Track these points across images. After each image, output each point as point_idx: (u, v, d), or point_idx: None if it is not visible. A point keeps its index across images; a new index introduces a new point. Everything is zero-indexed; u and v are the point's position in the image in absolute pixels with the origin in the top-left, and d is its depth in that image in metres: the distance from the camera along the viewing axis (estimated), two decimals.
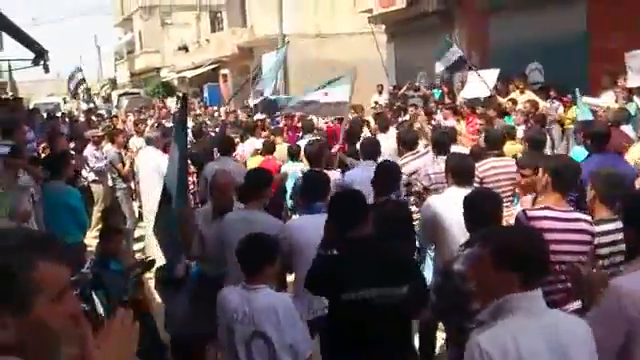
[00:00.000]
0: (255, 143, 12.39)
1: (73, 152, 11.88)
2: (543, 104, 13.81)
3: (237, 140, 12.98)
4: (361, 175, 7.37)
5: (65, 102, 41.08)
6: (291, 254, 5.47)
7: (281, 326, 4.21)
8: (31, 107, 24.47)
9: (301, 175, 8.54)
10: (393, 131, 11.28)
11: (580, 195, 5.49)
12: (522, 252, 2.94)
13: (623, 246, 4.40)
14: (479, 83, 14.99)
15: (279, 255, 4.57)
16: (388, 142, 9.74)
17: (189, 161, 9.05)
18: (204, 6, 45.57)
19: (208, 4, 45.15)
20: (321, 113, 12.16)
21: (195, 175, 10.55)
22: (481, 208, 4.60)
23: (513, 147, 9.06)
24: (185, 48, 44.67)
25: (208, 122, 19.40)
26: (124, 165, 12.42)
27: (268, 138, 12.31)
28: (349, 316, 4.18)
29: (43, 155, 11.50)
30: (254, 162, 10.76)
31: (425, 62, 21.91)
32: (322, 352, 4.66)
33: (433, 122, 13.80)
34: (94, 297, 4.87)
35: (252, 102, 20.18)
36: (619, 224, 4.56)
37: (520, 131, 10.62)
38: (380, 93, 22.22)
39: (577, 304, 4.16)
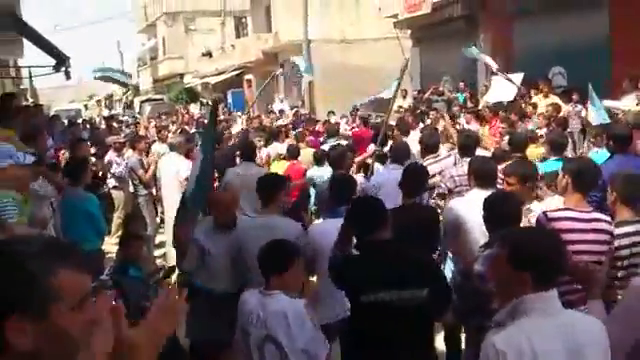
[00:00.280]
0: (278, 148, 12.46)
1: (94, 158, 11.96)
2: (566, 108, 13.78)
3: (262, 144, 13.08)
4: (388, 177, 7.43)
5: (87, 108, 41.07)
6: (314, 258, 5.49)
7: (291, 331, 4.19)
8: (52, 114, 24.61)
9: (324, 180, 8.57)
10: (415, 135, 11.34)
11: (603, 196, 5.49)
12: (537, 252, 2.97)
13: None
14: (503, 87, 14.98)
15: (299, 260, 4.53)
16: (410, 146, 9.78)
17: None
18: (228, 12, 45.79)
19: (232, 10, 45.35)
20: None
21: (217, 180, 10.61)
22: (500, 210, 4.64)
23: (536, 150, 9.07)
24: (209, 54, 44.60)
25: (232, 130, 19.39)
26: (146, 171, 12.22)
27: (292, 143, 12.36)
28: (369, 318, 4.20)
29: (63, 162, 11.50)
30: (279, 167, 10.80)
31: (449, 67, 21.95)
32: (342, 354, 4.69)
33: (457, 126, 13.82)
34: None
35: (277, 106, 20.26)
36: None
37: (542, 134, 10.61)
38: (404, 98, 22.24)
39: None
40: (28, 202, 6.08)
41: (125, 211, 11.91)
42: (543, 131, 11.12)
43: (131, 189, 12.33)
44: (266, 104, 29.93)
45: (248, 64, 36.36)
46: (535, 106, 14.06)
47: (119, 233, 9.75)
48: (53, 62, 16.15)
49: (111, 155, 12.55)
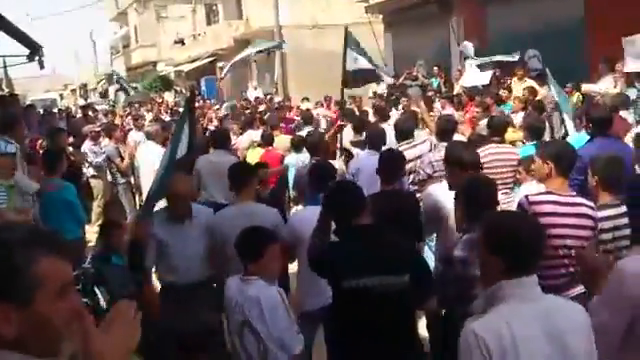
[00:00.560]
0: (252, 135, 12.37)
1: (71, 148, 11.89)
2: (542, 91, 13.78)
3: (240, 131, 13.11)
4: (367, 163, 7.37)
5: (62, 98, 40.96)
6: (295, 244, 5.44)
7: (264, 316, 4.23)
8: (27, 103, 24.35)
9: (302, 166, 8.50)
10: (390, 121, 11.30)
11: (584, 179, 5.44)
12: (509, 236, 2.91)
13: (627, 231, 4.40)
14: (478, 71, 14.94)
15: (275, 246, 4.53)
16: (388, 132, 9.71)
17: None
18: None
19: None
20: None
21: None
22: (477, 194, 4.57)
23: (514, 134, 9.05)
24: (181, 41, 44.47)
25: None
26: (123, 160, 12.43)
27: (266, 130, 12.27)
28: (351, 304, 4.14)
29: (41, 152, 11.41)
30: (255, 154, 10.76)
31: (423, 51, 21.85)
32: (326, 341, 4.62)
33: (432, 112, 13.77)
34: (97, 292, 4.85)
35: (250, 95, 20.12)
36: (622, 209, 4.55)
37: (518, 119, 10.59)
38: (378, 83, 22.16)
39: (580, 289, 4.15)
40: (15, 190, 6.08)
41: (104, 200, 12.05)
42: (519, 115, 11.11)
43: (109, 178, 12.49)
44: (240, 91, 29.78)
45: (220, 51, 36.17)
46: (510, 90, 14.05)
47: (99, 222, 9.68)
48: (27, 51, 15.96)
49: (88, 144, 12.57)
